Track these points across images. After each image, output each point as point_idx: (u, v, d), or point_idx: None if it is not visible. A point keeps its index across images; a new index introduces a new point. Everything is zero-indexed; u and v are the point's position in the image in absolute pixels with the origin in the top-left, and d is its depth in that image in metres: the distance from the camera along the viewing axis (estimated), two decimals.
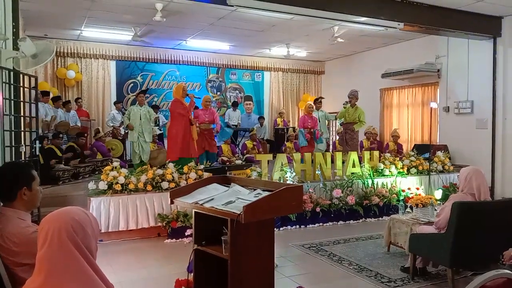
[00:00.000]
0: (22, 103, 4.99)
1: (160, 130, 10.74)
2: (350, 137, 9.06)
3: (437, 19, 7.87)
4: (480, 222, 3.86)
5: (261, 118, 12.98)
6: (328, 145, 11.16)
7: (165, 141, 10.47)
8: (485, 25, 8.47)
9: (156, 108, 10.90)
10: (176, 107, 7.33)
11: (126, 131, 10.24)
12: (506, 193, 8.30)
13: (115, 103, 11.13)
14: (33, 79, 5.17)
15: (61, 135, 8.29)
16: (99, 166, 8.37)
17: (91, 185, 6.11)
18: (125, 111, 9.19)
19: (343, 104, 9.42)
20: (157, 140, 9.66)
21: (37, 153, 5.65)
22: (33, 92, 5.39)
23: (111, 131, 10.59)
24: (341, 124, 9.50)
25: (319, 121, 9.53)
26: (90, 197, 5.92)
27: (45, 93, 9.30)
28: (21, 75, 4.81)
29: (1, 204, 2.38)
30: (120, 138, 10.18)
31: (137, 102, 8.85)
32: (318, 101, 9.93)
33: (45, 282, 1.55)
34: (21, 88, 4.87)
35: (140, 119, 8.51)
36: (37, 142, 5.57)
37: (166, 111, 12.20)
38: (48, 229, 1.59)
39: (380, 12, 7.32)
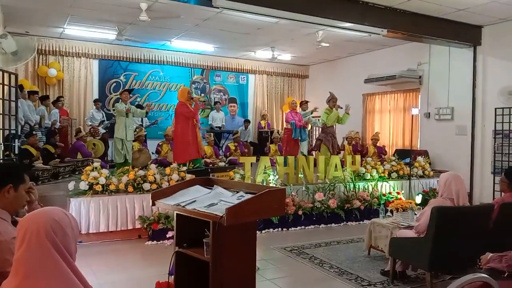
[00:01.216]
0: (1, 100, 4.91)
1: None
2: (335, 140, 9.14)
3: (419, 26, 8.01)
4: (458, 226, 3.92)
5: (246, 121, 12.96)
6: (310, 147, 11.18)
7: (148, 142, 10.38)
8: (466, 34, 8.66)
9: (140, 107, 10.75)
10: (181, 110, 7.49)
11: (106, 131, 10.09)
12: (484, 199, 8.46)
13: (94, 102, 10.95)
14: (13, 77, 5.09)
15: (34, 132, 8.06)
16: (80, 166, 8.23)
17: (71, 186, 6.02)
18: (106, 110, 8.94)
19: (337, 109, 9.12)
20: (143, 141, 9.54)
21: (16, 152, 5.54)
22: (13, 89, 5.30)
23: (89, 131, 10.41)
24: (322, 128, 9.36)
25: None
26: (70, 198, 5.84)
27: (33, 92, 9.13)
28: (0, 72, 4.72)
29: None
30: (99, 137, 10.01)
31: (121, 100, 8.70)
32: (303, 104, 10.12)
33: (23, 284, 1.52)
34: (1, 86, 4.79)
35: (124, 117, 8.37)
36: (16, 141, 5.47)
37: (151, 112, 12.02)
38: (27, 229, 1.56)
39: (364, 18, 7.42)
